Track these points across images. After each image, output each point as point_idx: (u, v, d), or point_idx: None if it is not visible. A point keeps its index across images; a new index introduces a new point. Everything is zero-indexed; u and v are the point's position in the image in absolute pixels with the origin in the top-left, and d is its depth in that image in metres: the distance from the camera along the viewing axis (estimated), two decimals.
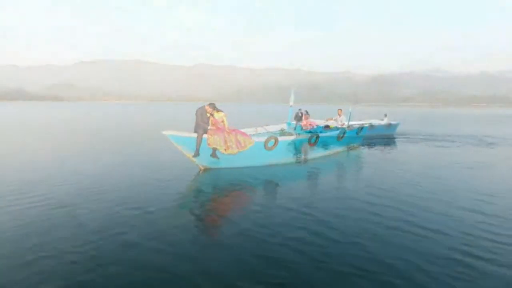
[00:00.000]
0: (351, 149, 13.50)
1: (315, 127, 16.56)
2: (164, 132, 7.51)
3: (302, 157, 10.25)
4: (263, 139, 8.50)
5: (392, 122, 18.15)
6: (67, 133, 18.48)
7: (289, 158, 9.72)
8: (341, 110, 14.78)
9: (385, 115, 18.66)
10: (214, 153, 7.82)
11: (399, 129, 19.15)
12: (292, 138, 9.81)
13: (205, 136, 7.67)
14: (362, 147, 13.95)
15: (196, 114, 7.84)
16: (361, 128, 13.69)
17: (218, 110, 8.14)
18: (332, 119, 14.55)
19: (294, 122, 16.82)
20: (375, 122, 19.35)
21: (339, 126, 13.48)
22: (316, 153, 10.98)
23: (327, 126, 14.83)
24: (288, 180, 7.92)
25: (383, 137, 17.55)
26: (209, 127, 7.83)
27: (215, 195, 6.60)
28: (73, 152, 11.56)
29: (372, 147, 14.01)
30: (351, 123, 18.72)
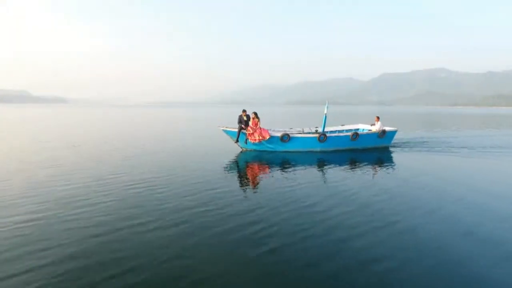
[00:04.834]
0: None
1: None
2: (219, 127, 12.39)
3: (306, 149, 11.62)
4: (279, 134, 11.22)
5: (387, 129, 12.55)
6: None
7: (298, 148, 11.50)
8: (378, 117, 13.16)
9: (378, 118, 13.06)
10: (246, 141, 11.32)
11: (396, 137, 13.54)
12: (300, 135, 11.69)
13: (243, 130, 11.30)
14: (331, 167, 8.36)
15: (238, 117, 11.50)
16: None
17: (257, 116, 11.21)
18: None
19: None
20: (363, 128, 13.75)
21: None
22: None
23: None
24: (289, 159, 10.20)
25: (373, 150, 11.98)
26: (249, 126, 11.21)
27: (248, 162, 9.94)
28: None
29: (353, 168, 8.40)
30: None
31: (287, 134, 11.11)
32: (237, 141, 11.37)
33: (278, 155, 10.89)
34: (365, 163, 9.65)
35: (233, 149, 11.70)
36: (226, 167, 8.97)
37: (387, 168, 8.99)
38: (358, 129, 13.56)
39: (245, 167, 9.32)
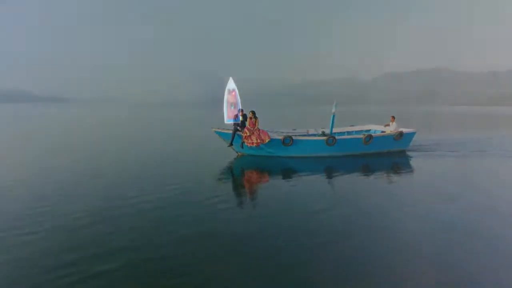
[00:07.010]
0: None
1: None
2: (212, 129, 10.36)
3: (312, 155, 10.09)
4: (280, 136, 9.71)
5: (405, 130, 10.98)
6: None
7: (302, 153, 9.98)
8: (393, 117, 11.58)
9: (393, 118, 11.50)
10: (242, 144, 9.70)
11: (414, 140, 11.95)
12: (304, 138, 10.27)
13: (239, 132, 9.70)
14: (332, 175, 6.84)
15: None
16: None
17: (255, 116, 9.62)
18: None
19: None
20: (375, 129, 12.20)
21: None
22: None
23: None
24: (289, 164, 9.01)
25: (389, 154, 10.46)
26: (246, 127, 9.58)
27: (244, 169, 8.72)
28: None
29: (368, 177, 6.85)
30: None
31: (290, 137, 9.56)
32: (230, 144, 9.82)
33: (280, 161, 9.39)
34: (382, 170, 8.19)
35: (228, 154, 10.15)
36: (219, 175, 7.53)
37: (414, 178, 7.47)
38: (370, 131, 12.00)
39: (240, 176, 7.95)
